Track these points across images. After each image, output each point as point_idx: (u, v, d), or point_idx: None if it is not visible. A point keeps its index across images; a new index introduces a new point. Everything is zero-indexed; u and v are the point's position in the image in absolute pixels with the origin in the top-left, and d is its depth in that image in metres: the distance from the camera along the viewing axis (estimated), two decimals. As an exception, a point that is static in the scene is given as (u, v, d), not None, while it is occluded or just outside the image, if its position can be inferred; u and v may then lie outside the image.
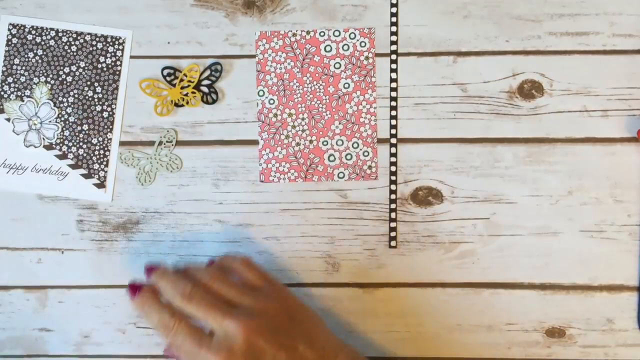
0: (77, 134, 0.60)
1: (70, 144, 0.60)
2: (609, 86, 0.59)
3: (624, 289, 0.59)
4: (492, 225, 0.59)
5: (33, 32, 0.60)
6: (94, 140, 0.60)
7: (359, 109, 0.60)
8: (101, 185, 0.60)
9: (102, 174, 0.60)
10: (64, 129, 0.60)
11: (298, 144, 0.60)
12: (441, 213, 0.59)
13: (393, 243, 0.59)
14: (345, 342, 0.58)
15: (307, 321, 0.52)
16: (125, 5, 0.60)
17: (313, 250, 0.60)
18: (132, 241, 0.60)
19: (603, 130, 0.59)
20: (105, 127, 0.60)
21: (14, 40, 0.60)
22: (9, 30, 0.60)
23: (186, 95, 0.60)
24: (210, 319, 0.49)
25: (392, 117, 0.60)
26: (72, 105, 0.60)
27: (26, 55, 0.60)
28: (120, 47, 0.60)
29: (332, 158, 0.60)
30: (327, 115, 0.60)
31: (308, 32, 0.60)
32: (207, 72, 0.60)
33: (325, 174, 0.60)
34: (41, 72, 0.60)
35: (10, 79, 0.60)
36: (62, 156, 0.60)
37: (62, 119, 0.60)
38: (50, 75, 0.60)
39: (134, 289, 0.52)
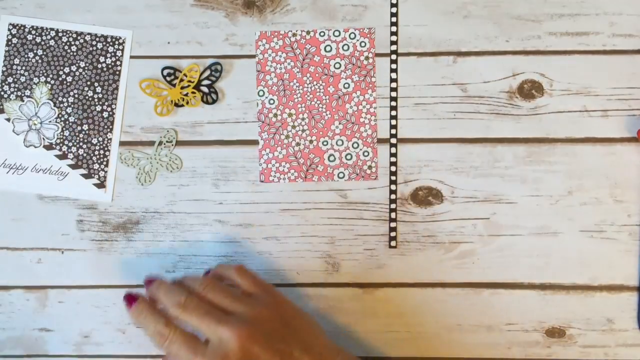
0: (77, 134, 0.60)
1: (70, 144, 0.60)
2: (609, 86, 0.59)
3: (624, 289, 0.59)
4: (492, 225, 0.59)
5: (33, 32, 0.60)
6: (94, 140, 0.60)
7: (359, 109, 0.60)
8: (101, 185, 0.60)
9: (102, 174, 0.60)
10: (64, 129, 0.60)
11: (298, 144, 0.60)
12: (441, 213, 0.59)
13: (393, 243, 0.59)
14: (345, 342, 0.58)
15: (303, 327, 0.52)
16: (125, 5, 0.60)
17: (313, 250, 0.60)
18: (132, 241, 0.60)
19: (603, 130, 0.59)
20: (105, 127, 0.60)
21: (14, 40, 0.60)
22: (9, 30, 0.60)
23: (186, 95, 0.60)
24: (204, 327, 0.49)
25: (392, 117, 0.60)
26: (72, 105, 0.60)
27: (26, 55, 0.60)
28: (120, 47, 0.60)
29: (332, 158, 0.60)
30: (327, 115, 0.60)
31: (308, 32, 0.60)
32: (207, 72, 0.60)
33: (325, 174, 0.60)
34: (41, 72, 0.60)
35: (10, 79, 0.60)
36: (62, 156, 0.60)
37: (62, 119, 0.60)
38: (50, 75, 0.60)
39: (130, 299, 0.53)
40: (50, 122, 0.60)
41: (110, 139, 0.60)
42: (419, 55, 0.60)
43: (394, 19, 0.60)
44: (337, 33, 0.60)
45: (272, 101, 0.60)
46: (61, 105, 0.60)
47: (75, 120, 0.60)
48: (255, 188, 0.60)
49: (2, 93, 0.60)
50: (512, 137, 0.59)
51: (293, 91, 0.60)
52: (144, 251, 0.60)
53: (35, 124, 0.60)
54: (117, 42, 0.60)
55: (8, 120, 0.60)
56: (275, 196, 0.60)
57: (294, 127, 0.60)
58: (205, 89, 0.60)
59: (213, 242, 0.60)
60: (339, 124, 0.60)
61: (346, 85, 0.60)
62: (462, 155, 0.59)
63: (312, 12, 0.60)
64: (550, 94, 0.59)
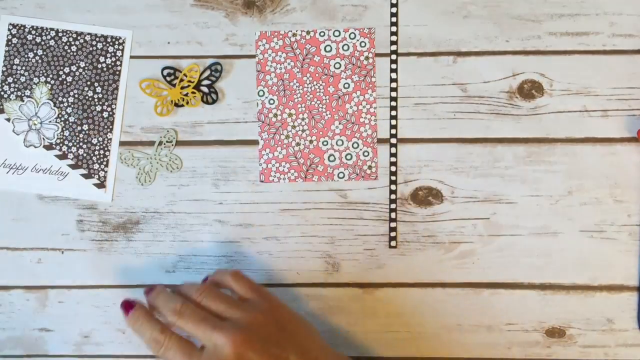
0: (77, 134, 0.60)
1: (70, 144, 0.60)
2: (609, 86, 0.59)
3: (624, 289, 0.59)
4: (492, 225, 0.59)
5: (33, 32, 0.60)
6: (94, 140, 0.60)
7: (359, 109, 0.60)
8: (101, 185, 0.60)
9: (102, 174, 0.60)
10: (64, 129, 0.60)
11: (298, 144, 0.60)
12: (441, 213, 0.59)
13: (393, 243, 0.59)
14: (345, 342, 0.58)
15: (299, 331, 0.52)
16: (125, 5, 0.60)
17: (313, 250, 0.60)
18: (132, 241, 0.60)
19: (603, 130, 0.59)
20: (105, 127, 0.60)
21: (14, 40, 0.60)
22: (9, 30, 0.60)
23: (186, 95, 0.60)
24: (200, 333, 0.50)
25: (392, 117, 0.60)
26: (72, 105, 0.60)
27: (26, 55, 0.60)
28: (120, 47, 0.60)
29: (332, 158, 0.60)
30: (327, 115, 0.60)
31: (308, 32, 0.60)
32: (207, 72, 0.60)
33: (325, 174, 0.60)
34: (41, 72, 0.60)
35: (10, 79, 0.60)
36: (62, 156, 0.60)
37: (62, 119, 0.60)
38: (50, 75, 0.60)
39: (127, 306, 0.53)
40: (50, 122, 0.60)
41: (110, 139, 0.60)
42: (419, 55, 0.60)
43: (394, 19, 0.60)
44: (337, 33, 0.60)
45: (272, 101, 0.60)
46: (61, 105, 0.60)
47: (75, 120, 0.60)
48: (255, 188, 0.60)
49: (2, 93, 0.60)
50: (512, 137, 0.59)
51: (293, 91, 0.60)
52: (144, 251, 0.60)
53: (35, 124, 0.60)
54: (117, 42, 0.60)
55: (8, 120, 0.60)
56: (275, 196, 0.60)
57: (294, 127, 0.60)
58: (205, 89, 0.60)
59: (213, 242, 0.60)
60: (339, 124, 0.60)
61: (346, 85, 0.60)
62: (462, 155, 0.59)
63: (312, 12, 0.60)
64: (550, 94, 0.59)
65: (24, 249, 0.60)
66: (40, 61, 0.60)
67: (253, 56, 0.60)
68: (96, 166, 0.60)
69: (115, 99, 0.60)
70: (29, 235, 0.60)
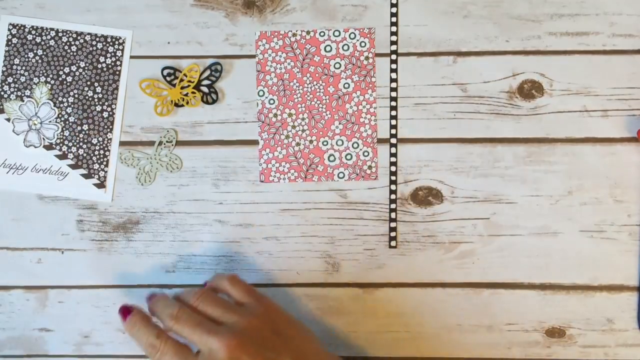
0: (77, 134, 0.60)
1: (70, 144, 0.60)
2: (609, 86, 0.59)
3: (624, 289, 0.59)
4: (492, 225, 0.59)
5: (33, 32, 0.60)
6: (94, 140, 0.60)
7: (359, 109, 0.60)
8: (101, 185, 0.60)
9: (102, 174, 0.60)
10: (64, 129, 0.60)
11: (298, 144, 0.60)
12: (441, 213, 0.59)
13: (393, 243, 0.59)
14: (345, 342, 0.58)
15: (295, 336, 0.52)
16: (125, 5, 0.60)
17: (313, 250, 0.60)
18: (132, 241, 0.60)
19: (603, 130, 0.59)
20: (105, 127, 0.60)
21: (14, 40, 0.60)
22: (9, 30, 0.60)
23: (186, 95, 0.60)
24: (195, 338, 0.50)
25: (392, 117, 0.60)
26: (72, 105, 0.60)
27: (26, 55, 0.60)
28: (120, 47, 0.60)
29: (332, 158, 0.60)
30: (327, 115, 0.60)
31: (308, 32, 0.60)
32: (207, 72, 0.60)
33: (325, 174, 0.60)
34: (41, 72, 0.60)
35: (10, 79, 0.60)
36: (62, 156, 0.60)
37: (62, 119, 0.60)
38: (50, 75, 0.60)
39: (125, 312, 0.53)
40: (50, 122, 0.60)
41: (110, 139, 0.60)
42: (419, 55, 0.60)
43: (394, 19, 0.60)
44: (337, 33, 0.60)
45: (272, 101, 0.60)
46: (61, 105, 0.60)
47: (75, 120, 0.60)
48: (255, 188, 0.60)
49: (2, 93, 0.60)
50: (512, 137, 0.59)
51: (293, 91, 0.60)
52: (144, 251, 0.60)
53: (35, 124, 0.60)
54: (117, 42, 0.60)
55: (8, 120, 0.60)
56: (275, 196, 0.60)
57: (294, 127, 0.60)
58: (205, 89, 0.60)
59: (213, 242, 0.60)
60: (339, 124, 0.60)
61: (346, 85, 0.60)
62: (462, 155, 0.59)
63: (312, 12, 0.60)
64: (550, 94, 0.59)
65: (24, 249, 0.60)
66: (40, 61, 0.60)
67: (253, 56, 0.60)
68: (96, 166, 0.60)
69: (115, 99, 0.60)
70: (29, 235, 0.60)
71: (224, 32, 0.60)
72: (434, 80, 0.59)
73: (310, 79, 0.60)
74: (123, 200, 0.60)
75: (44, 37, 0.60)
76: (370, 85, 0.60)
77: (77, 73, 0.60)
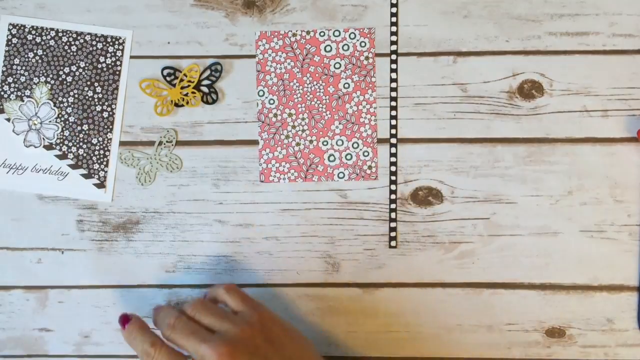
0: (77, 134, 0.60)
1: (70, 144, 0.60)
2: (609, 86, 0.59)
3: (624, 289, 0.59)
4: (492, 225, 0.59)
5: (33, 32, 0.60)
6: (94, 140, 0.60)
7: (359, 109, 0.60)
8: (101, 185, 0.60)
9: (102, 174, 0.60)
10: (64, 129, 0.60)
11: (298, 144, 0.60)
12: (441, 213, 0.59)
13: (393, 243, 0.59)
14: (345, 342, 0.58)
15: (290, 344, 0.53)
16: (125, 5, 0.60)
17: (313, 250, 0.60)
18: (132, 241, 0.60)
19: (603, 130, 0.59)
20: (105, 127, 0.60)
21: (14, 40, 0.60)
22: (9, 30, 0.60)
23: (186, 95, 0.60)
24: (189, 346, 0.51)
25: (392, 117, 0.60)
26: (72, 105, 0.60)
27: (26, 55, 0.60)
28: (120, 47, 0.60)
29: (332, 158, 0.60)
30: (327, 115, 0.60)
31: (308, 32, 0.60)
32: (207, 72, 0.60)
33: (325, 174, 0.60)
34: (41, 72, 0.60)
35: (10, 79, 0.60)
36: (62, 156, 0.60)
37: (62, 119, 0.60)
38: (50, 75, 0.60)
39: (125, 320, 0.54)
40: (50, 122, 0.60)
41: (110, 139, 0.60)
42: (419, 55, 0.60)
43: (394, 19, 0.60)
44: (337, 33, 0.60)
45: (272, 101, 0.60)
46: (61, 105, 0.60)
47: (75, 120, 0.60)
48: (255, 188, 0.60)
49: (2, 93, 0.60)
50: (512, 137, 0.59)
51: (293, 91, 0.60)
52: (144, 251, 0.60)
53: (35, 124, 0.60)
54: (117, 42, 0.60)
55: (8, 120, 0.60)
56: (275, 196, 0.60)
57: (294, 127, 0.60)
58: (205, 89, 0.60)
59: (213, 242, 0.60)
60: (339, 124, 0.60)
61: (346, 85, 0.60)
62: (462, 155, 0.59)
63: (312, 12, 0.60)
64: (550, 94, 0.59)
65: (24, 249, 0.60)
66: (40, 61, 0.60)
67: (253, 56, 0.60)
68: (96, 166, 0.60)
69: (115, 99, 0.60)
70: (29, 235, 0.60)
71: (224, 32, 0.60)
72: (434, 80, 0.59)
73: (310, 79, 0.60)
74: (123, 200, 0.60)
75: (44, 37, 0.60)
76: (370, 85, 0.60)
77: (77, 73, 0.60)
